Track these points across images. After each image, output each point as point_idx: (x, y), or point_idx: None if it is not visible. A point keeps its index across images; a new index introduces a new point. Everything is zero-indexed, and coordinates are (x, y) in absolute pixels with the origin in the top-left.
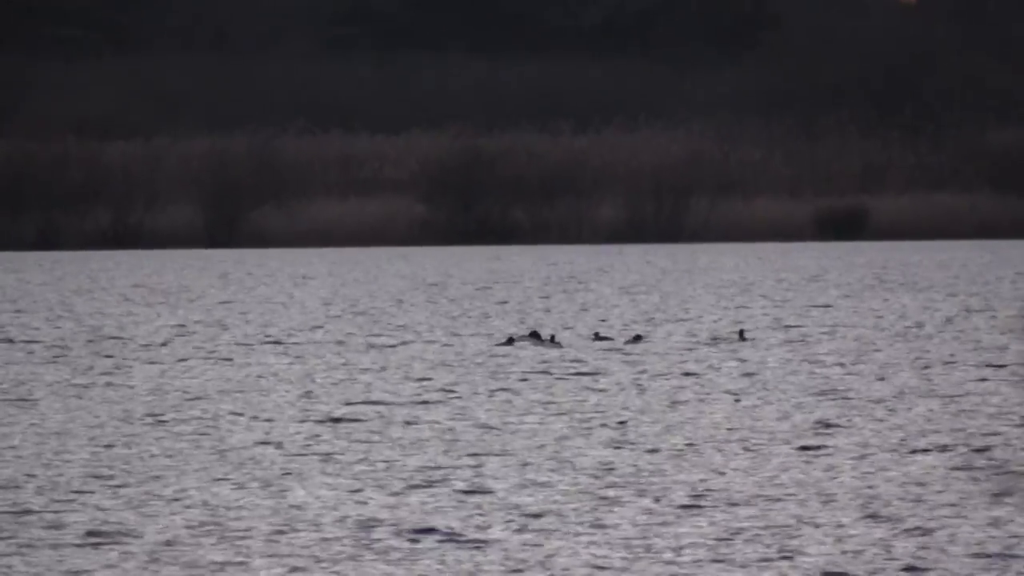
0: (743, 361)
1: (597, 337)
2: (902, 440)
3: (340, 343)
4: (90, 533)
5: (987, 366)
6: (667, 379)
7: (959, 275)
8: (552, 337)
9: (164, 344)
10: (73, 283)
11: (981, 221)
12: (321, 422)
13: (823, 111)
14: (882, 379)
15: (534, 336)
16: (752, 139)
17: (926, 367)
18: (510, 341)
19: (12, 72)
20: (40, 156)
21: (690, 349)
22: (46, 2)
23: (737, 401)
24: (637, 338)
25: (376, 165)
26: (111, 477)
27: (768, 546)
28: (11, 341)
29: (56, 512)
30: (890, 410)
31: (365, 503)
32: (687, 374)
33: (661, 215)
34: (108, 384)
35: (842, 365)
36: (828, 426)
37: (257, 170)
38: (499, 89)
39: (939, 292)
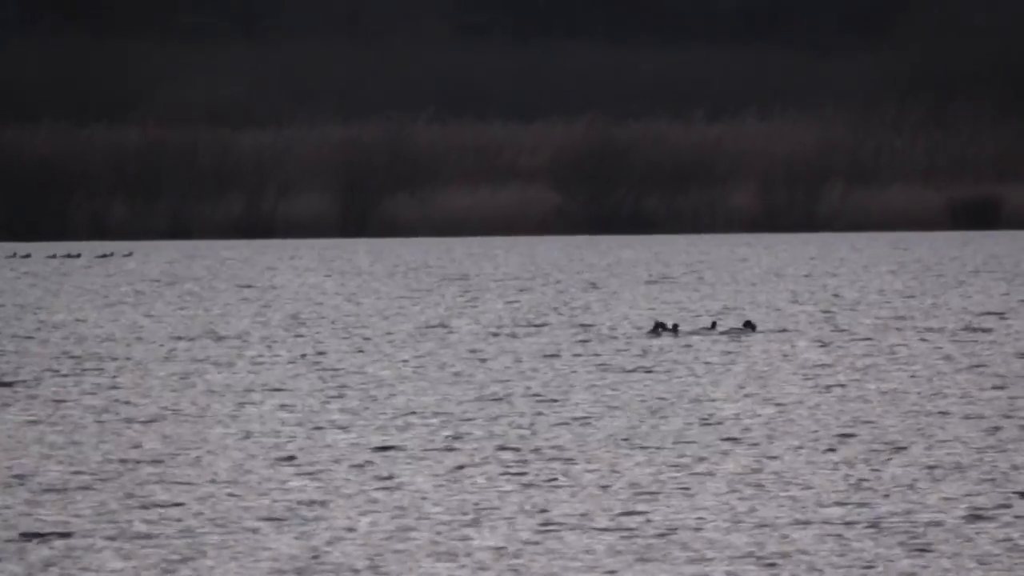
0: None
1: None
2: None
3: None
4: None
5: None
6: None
7: None
8: (674, 326)
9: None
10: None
11: None
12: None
13: (957, 97)
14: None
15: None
16: (886, 126)
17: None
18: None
19: (144, 60)
20: (172, 144)
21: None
22: None
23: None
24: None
25: (509, 153)
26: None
27: None
28: None
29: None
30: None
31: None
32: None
33: (794, 203)
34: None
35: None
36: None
37: (390, 158)
38: (633, 76)
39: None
